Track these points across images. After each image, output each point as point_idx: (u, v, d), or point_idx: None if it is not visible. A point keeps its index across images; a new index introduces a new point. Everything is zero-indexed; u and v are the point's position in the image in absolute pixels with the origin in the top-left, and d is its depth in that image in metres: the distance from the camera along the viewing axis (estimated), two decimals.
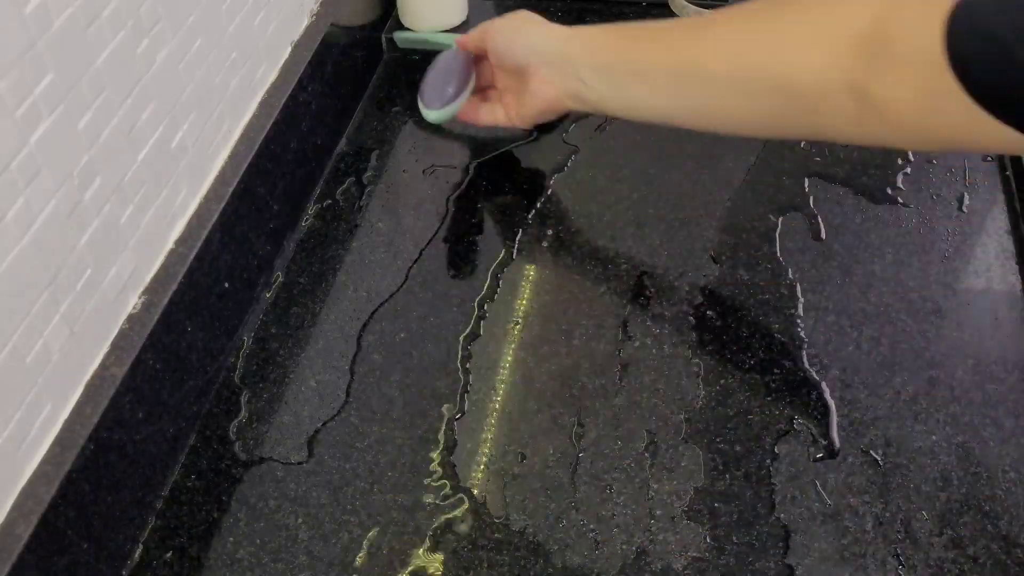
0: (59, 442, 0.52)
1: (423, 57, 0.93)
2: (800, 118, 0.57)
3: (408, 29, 0.92)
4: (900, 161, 0.81)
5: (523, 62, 0.71)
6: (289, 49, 0.77)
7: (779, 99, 0.57)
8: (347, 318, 0.71)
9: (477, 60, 0.77)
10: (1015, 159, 0.79)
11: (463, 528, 0.59)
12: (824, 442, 0.62)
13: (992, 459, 0.61)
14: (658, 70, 0.63)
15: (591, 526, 0.58)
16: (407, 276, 0.73)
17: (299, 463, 0.62)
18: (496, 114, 0.77)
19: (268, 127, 0.70)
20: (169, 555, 0.58)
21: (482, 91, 0.79)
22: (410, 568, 0.57)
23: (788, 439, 0.62)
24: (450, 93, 0.75)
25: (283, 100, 0.73)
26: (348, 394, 0.66)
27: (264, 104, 0.72)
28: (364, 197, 0.80)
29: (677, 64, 0.62)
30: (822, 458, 0.61)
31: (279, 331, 0.70)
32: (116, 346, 0.56)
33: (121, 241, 0.56)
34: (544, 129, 0.84)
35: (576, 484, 0.60)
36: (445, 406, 0.65)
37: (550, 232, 0.76)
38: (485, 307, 0.71)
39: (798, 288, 0.71)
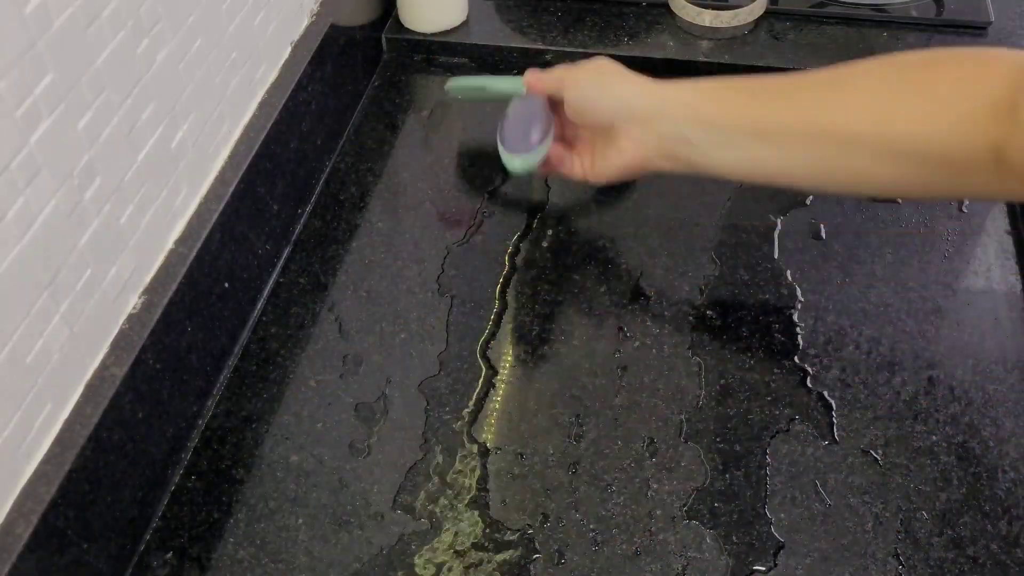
0: (59, 442, 0.52)
1: (424, 58, 0.94)
2: (945, 182, 0.56)
3: (463, 76, 0.82)
4: None
5: (609, 119, 0.65)
6: (289, 49, 0.77)
7: (925, 165, 0.55)
8: (347, 318, 0.71)
9: (552, 105, 0.70)
10: None
11: (463, 528, 0.59)
12: (824, 442, 0.62)
13: (992, 459, 0.61)
14: (788, 129, 0.58)
15: (591, 526, 0.58)
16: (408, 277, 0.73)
17: (299, 463, 0.62)
18: (573, 166, 0.70)
19: (268, 127, 0.70)
20: (169, 555, 0.58)
21: (558, 140, 0.72)
22: (410, 567, 0.57)
23: (788, 439, 0.62)
24: (534, 139, 0.68)
25: (283, 100, 0.73)
26: (349, 394, 0.66)
27: (264, 104, 0.72)
28: (364, 197, 0.80)
29: (812, 124, 0.58)
30: (822, 458, 0.61)
31: (279, 331, 0.70)
32: (116, 346, 0.56)
33: (121, 241, 0.56)
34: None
35: (576, 484, 0.60)
36: (445, 406, 0.65)
37: (550, 232, 0.76)
38: (485, 307, 0.71)
39: (797, 288, 0.71)
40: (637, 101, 0.63)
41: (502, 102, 0.72)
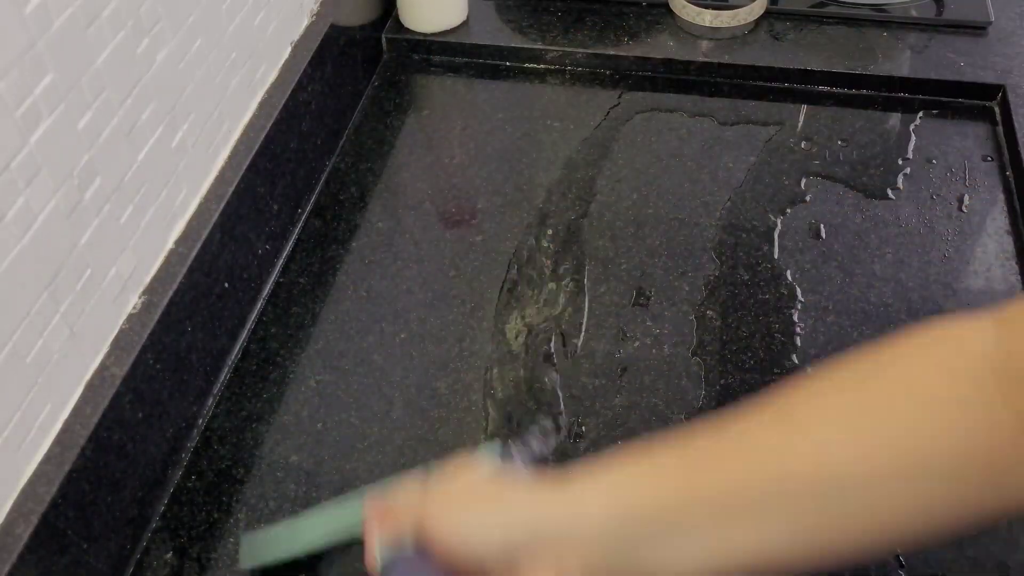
0: (59, 442, 0.52)
1: (424, 58, 0.94)
2: (986, 492, 0.39)
3: (254, 533, 0.58)
4: (900, 161, 0.81)
5: (503, 553, 0.43)
6: (289, 49, 0.77)
7: (954, 480, 0.39)
8: (347, 318, 0.71)
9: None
10: (1014, 158, 0.79)
11: None
12: None
13: None
14: (759, 491, 0.41)
15: None
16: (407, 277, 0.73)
17: (299, 463, 0.62)
18: None
19: (268, 127, 0.70)
20: (169, 555, 0.58)
21: None
22: None
23: None
24: None
25: (283, 100, 0.73)
26: (349, 394, 0.66)
27: (264, 104, 0.72)
28: (364, 197, 0.80)
29: (793, 474, 0.40)
30: None
31: (279, 331, 0.70)
32: (116, 346, 0.56)
33: (121, 241, 0.56)
34: None
35: None
36: (445, 406, 0.65)
37: (550, 232, 0.76)
38: (485, 307, 0.71)
39: (798, 288, 0.71)
40: (540, 519, 0.43)
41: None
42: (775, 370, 0.66)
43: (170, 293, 0.59)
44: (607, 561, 0.42)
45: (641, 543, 0.42)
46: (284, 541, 0.55)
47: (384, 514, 0.47)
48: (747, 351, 0.67)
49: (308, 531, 0.54)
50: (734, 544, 0.41)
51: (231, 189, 0.66)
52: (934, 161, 0.81)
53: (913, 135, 0.83)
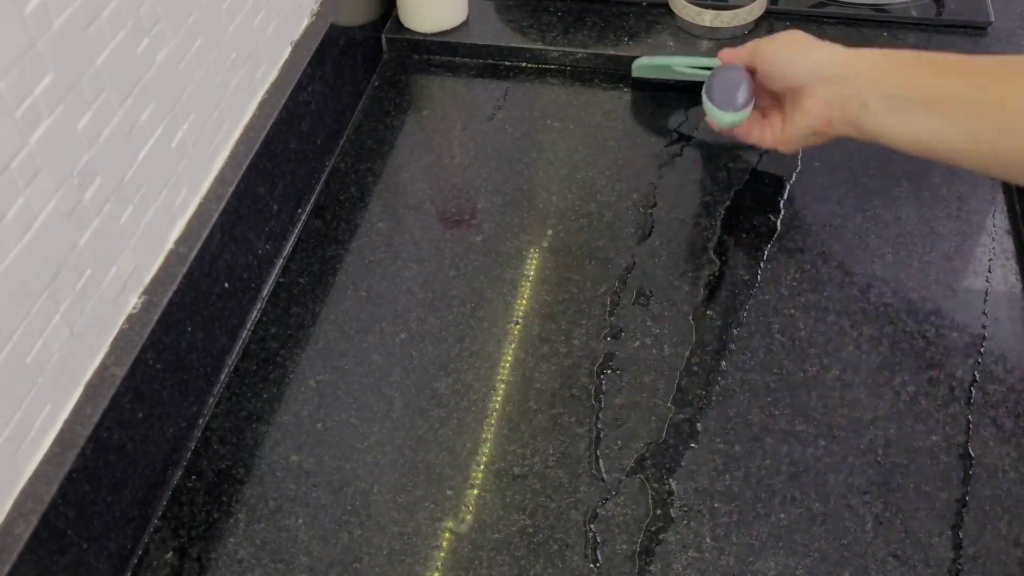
0: (59, 442, 0.52)
1: (424, 58, 0.94)
2: None
3: (649, 56, 0.88)
4: (900, 161, 0.81)
5: (800, 81, 0.70)
6: (289, 49, 0.77)
7: None
8: (347, 318, 0.71)
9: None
10: None
11: (463, 528, 0.59)
12: (824, 442, 0.62)
13: (992, 459, 0.61)
14: (964, 105, 0.62)
15: (592, 526, 0.58)
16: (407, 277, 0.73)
17: (299, 463, 0.62)
18: (763, 134, 0.75)
19: (268, 127, 0.70)
20: (169, 555, 0.58)
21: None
22: (411, 567, 0.57)
23: (788, 439, 0.62)
24: (741, 100, 0.74)
25: (283, 100, 0.73)
26: (349, 394, 0.66)
27: (264, 104, 0.72)
28: (364, 197, 0.80)
29: (992, 101, 0.60)
30: (822, 458, 0.61)
31: (279, 331, 0.70)
32: (116, 346, 0.56)
33: (121, 241, 0.56)
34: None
35: (576, 484, 0.61)
36: (445, 406, 0.65)
37: (550, 232, 0.76)
38: (484, 307, 0.71)
39: (797, 288, 0.71)
40: (827, 65, 0.68)
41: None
42: (775, 370, 0.66)
43: (170, 293, 0.59)
44: (852, 111, 0.66)
45: (878, 108, 0.65)
46: (663, 65, 0.86)
47: (731, 48, 0.76)
48: (747, 351, 0.67)
49: (679, 61, 0.85)
50: (930, 131, 0.63)
51: (231, 189, 0.66)
52: (934, 161, 0.81)
53: None
